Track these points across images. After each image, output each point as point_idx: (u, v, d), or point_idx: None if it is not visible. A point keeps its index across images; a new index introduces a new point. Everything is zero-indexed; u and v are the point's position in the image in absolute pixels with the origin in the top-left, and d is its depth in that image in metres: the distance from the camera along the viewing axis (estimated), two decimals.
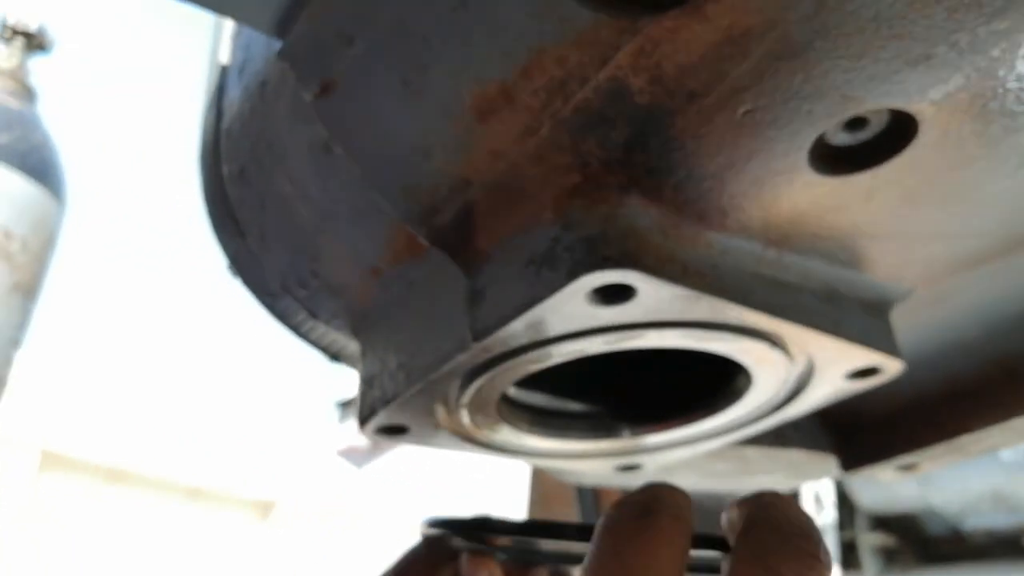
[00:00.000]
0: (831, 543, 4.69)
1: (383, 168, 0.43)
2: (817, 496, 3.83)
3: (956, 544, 4.72)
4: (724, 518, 0.38)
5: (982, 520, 4.51)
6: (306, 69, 0.42)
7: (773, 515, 0.36)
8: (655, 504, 0.37)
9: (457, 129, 0.39)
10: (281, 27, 0.43)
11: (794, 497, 0.39)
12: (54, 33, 1.61)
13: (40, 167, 1.42)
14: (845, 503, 4.12)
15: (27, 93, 1.49)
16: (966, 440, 0.64)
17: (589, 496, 1.44)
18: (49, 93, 1.57)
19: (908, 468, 0.70)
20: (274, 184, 0.53)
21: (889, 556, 4.96)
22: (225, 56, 0.62)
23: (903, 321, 0.52)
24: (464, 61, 0.37)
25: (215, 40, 0.65)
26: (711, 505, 0.78)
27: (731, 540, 0.37)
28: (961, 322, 0.59)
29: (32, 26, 1.54)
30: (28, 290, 1.45)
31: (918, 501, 4.37)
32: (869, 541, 4.89)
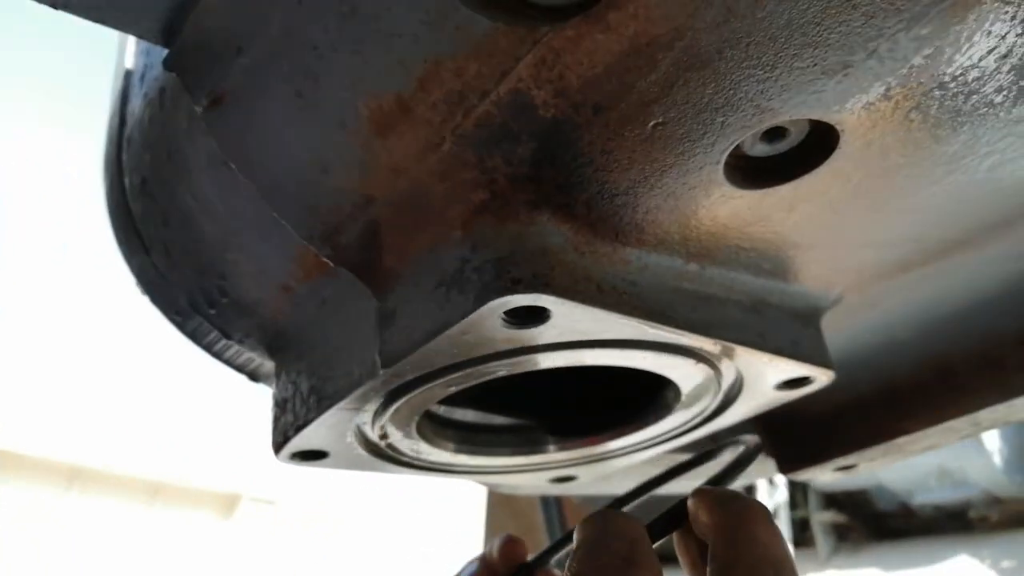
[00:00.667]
0: (784, 522, 4.76)
1: (280, 184, 0.40)
2: (770, 476, 3.88)
3: (906, 519, 4.83)
4: (691, 510, 0.38)
5: (930, 495, 4.61)
6: (194, 80, 0.39)
7: (749, 552, 0.35)
8: (635, 555, 0.35)
9: (355, 144, 0.37)
10: (167, 35, 0.40)
11: (760, 508, 0.40)
12: None
13: None
14: (797, 482, 4.18)
15: None
16: (903, 441, 0.63)
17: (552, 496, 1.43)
18: None
19: (846, 469, 0.69)
20: (176, 198, 0.49)
21: (841, 533, 5.05)
22: (130, 60, 0.59)
23: (835, 324, 0.51)
24: (358, 72, 0.34)
25: (121, 43, 0.61)
26: (652, 504, 0.77)
27: (697, 531, 0.38)
28: (894, 324, 0.58)
29: None
30: None
31: (868, 478, 4.45)
32: (821, 519, 4.98)
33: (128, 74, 0.58)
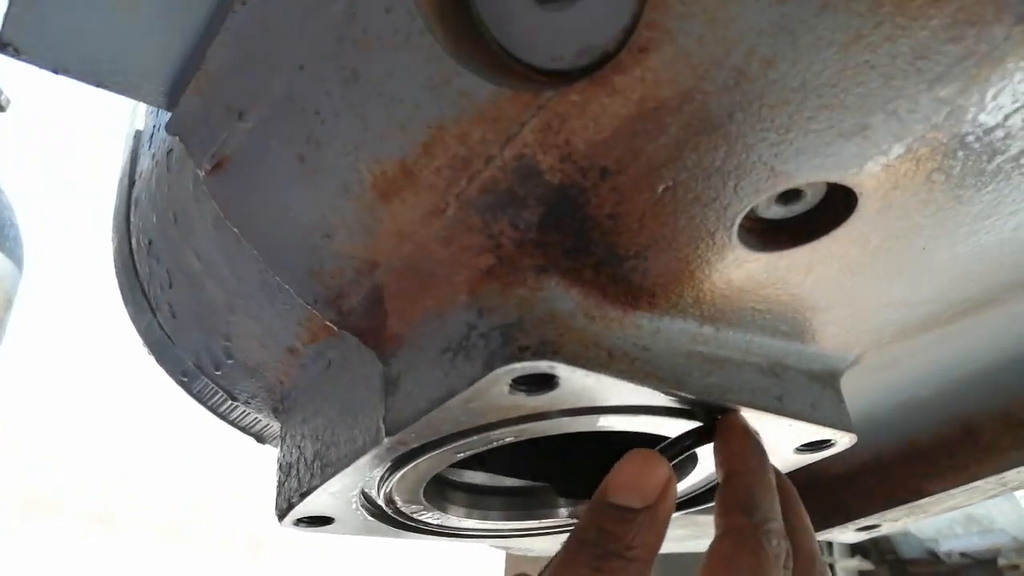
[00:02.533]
0: None
1: (283, 249, 0.39)
2: None
3: (933, 566, 4.71)
4: None
5: (957, 542, 4.51)
6: (197, 144, 0.39)
7: None
8: None
9: (359, 209, 0.36)
10: (170, 98, 0.39)
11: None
12: (10, 93, 1.58)
13: None
14: None
15: None
16: (926, 502, 0.61)
17: None
18: (4, 154, 1.53)
19: (868, 529, 0.66)
20: (182, 260, 0.49)
21: None
22: (140, 121, 0.59)
23: (855, 384, 0.49)
24: (360, 137, 0.34)
25: (135, 104, 0.61)
26: (668, 566, 0.75)
27: None
28: (916, 383, 0.57)
29: None
30: None
31: None
32: (847, 566, 4.87)
33: (138, 134, 0.58)
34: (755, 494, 0.39)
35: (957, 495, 0.61)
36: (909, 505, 0.62)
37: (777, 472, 0.44)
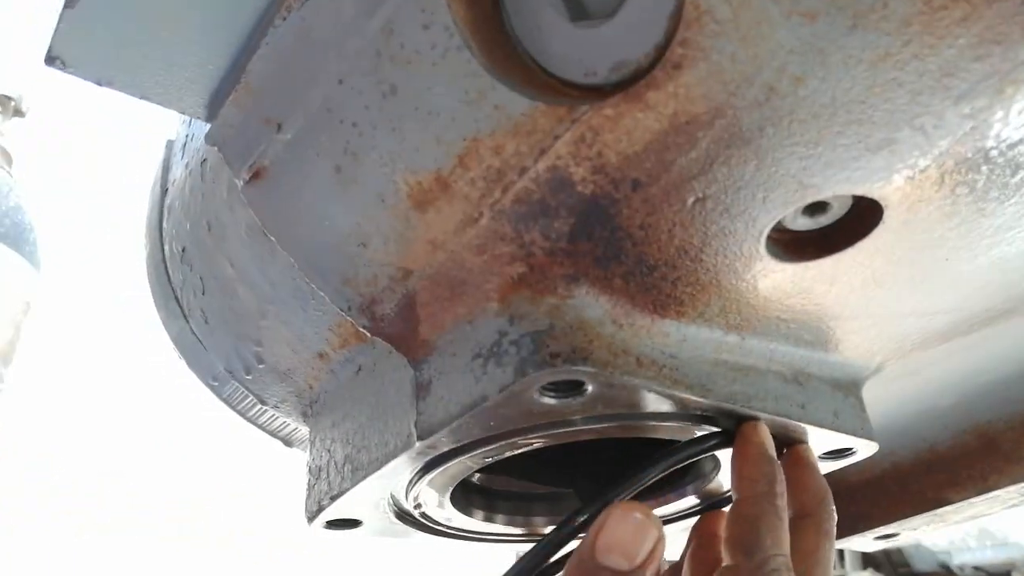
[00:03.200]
0: None
1: (319, 257, 0.40)
2: None
3: None
4: None
5: (971, 555, 4.46)
6: (235, 154, 0.40)
7: None
8: None
9: (394, 218, 0.37)
10: (210, 109, 0.40)
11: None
12: (31, 98, 1.60)
13: (13, 232, 1.39)
14: None
15: (2, 157, 1.47)
16: (946, 511, 0.61)
17: None
18: (25, 158, 1.55)
19: (887, 538, 0.67)
20: (215, 266, 0.50)
21: None
22: (171, 129, 0.60)
23: (876, 392, 0.50)
24: (397, 149, 0.35)
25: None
26: None
27: None
28: (936, 392, 0.57)
29: (10, 91, 1.53)
30: (2, 356, 1.41)
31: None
32: None
33: (170, 143, 0.59)
34: (759, 529, 0.39)
35: (978, 504, 0.61)
36: (929, 514, 0.62)
37: (814, 474, 0.45)
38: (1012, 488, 0.59)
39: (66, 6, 0.36)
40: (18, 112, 1.57)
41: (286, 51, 0.37)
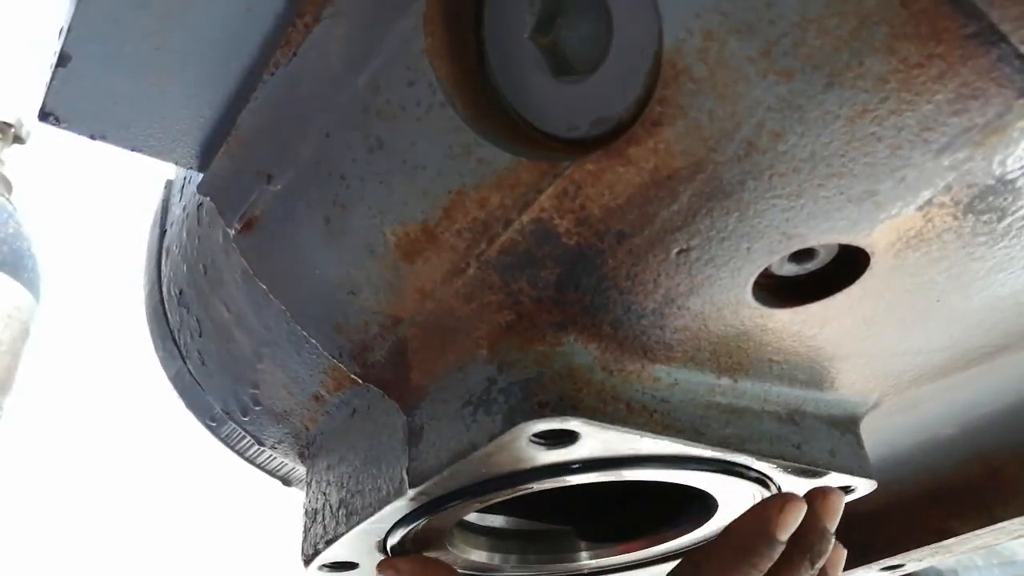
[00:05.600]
0: None
1: (310, 305, 0.40)
2: None
3: None
4: None
5: (978, 575, 4.41)
6: (227, 204, 0.40)
7: None
8: None
9: (383, 268, 0.37)
10: (202, 160, 0.41)
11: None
12: (31, 125, 1.61)
13: (12, 259, 1.40)
14: None
15: (2, 185, 1.49)
16: (952, 542, 0.61)
17: None
18: (25, 185, 1.56)
19: (892, 569, 0.66)
20: (211, 309, 0.50)
21: None
22: (171, 170, 0.61)
23: (875, 425, 0.49)
24: (385, 201, 0.35)
25: None
26: None
27: None
28: (936, 422, 0.57)
29: (10, 118, 1.54)
30: (1, 384, 1.41)
31: None
32: None
33: (169, 183, 0.59)
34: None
35: (983, 535, 0.60)
36: (934, 546, 0.62)
37: (825, 537, 0.45)
38: (1018, 520, 0.59)
39: (58, 64, 0.36)
40: (18, 139, 1.58)
41: (276, 105, 0.37)
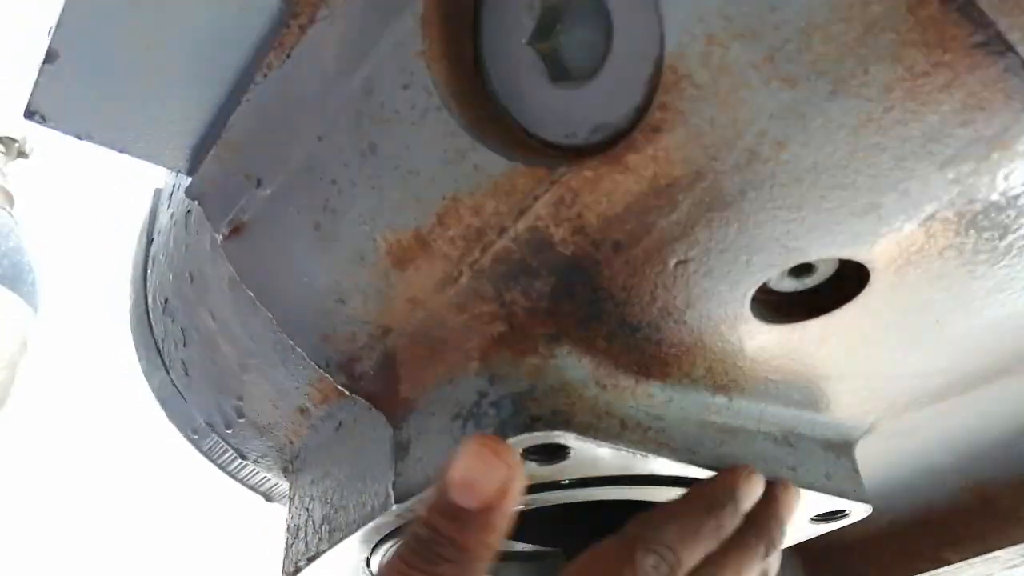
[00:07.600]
0: None
1: (298, 313, 0.39)
2: None
3: None
4: None
5: None
6: (215, 209, 0.39)
7: None
8: None
9: (373, 276, 0.36)
10: (191, 163, 0.40)
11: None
12: (34, 140, 1.60)
13: (12, 273, 1.39)
14: None
15: (4, 198, 1.47)
16: (945, 572, 0.60)
17: None
18: (26, 199, 1.55)
19: None
20: (197, 319, 0.49)
21: None
22: (159, 179, 0.60)
23: (870, 450, 0.49)
24: (376, 207, 0.34)
25: None
26: None
27: None
28: (932, 449, 0.56)
29: (14, 132, 1.53)
30: None
31: None
32: None
33: (157, 192, 0.58)
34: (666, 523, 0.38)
35: (976, 565, 0.59)
36: (928, 575, 0.61)
37: (781, 527, 0.42)
38: (1012, 549, 0.58)
39: (46, 61, 0.35)
40: (22, 154, 1.57)
41: (267, 108, 0.36)
